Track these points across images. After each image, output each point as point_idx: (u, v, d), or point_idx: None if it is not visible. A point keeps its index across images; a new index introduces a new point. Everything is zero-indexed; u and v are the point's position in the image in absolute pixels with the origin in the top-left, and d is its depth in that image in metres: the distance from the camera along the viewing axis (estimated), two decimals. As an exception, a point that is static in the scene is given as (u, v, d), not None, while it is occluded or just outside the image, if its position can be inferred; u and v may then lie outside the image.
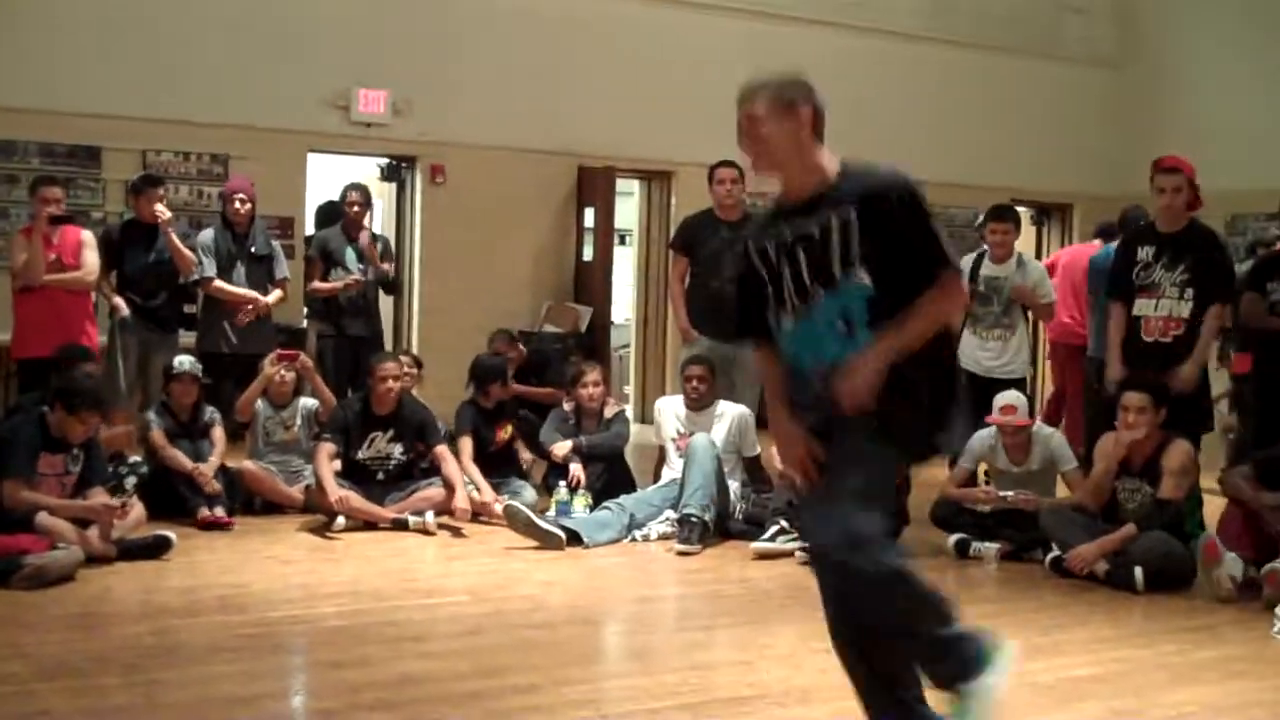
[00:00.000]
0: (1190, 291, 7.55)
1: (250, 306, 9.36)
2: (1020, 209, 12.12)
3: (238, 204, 9.48)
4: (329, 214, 11.71)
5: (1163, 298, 7.63)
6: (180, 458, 8.00)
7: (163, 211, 9.11)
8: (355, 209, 10.22)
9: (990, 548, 7.54)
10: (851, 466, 3.75)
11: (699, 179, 9.81)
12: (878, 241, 3.76)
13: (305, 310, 10.75)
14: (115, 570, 6.67)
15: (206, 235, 9.54)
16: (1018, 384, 8.38)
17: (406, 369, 8.93)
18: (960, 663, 3.77)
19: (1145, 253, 7.72)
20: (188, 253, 9.22)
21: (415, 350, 12.58)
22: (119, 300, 9.13)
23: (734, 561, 7.34)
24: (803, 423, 3.93)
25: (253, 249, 9.52)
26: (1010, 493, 7.63)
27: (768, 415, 4.19)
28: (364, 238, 10.18)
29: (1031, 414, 7.84)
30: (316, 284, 10.11)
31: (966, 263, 8.77)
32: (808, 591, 6.73)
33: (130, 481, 7.65)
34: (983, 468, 8.10)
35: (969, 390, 8.25)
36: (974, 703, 3.73)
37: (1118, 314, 7.86)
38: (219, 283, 9.37)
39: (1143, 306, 7.70)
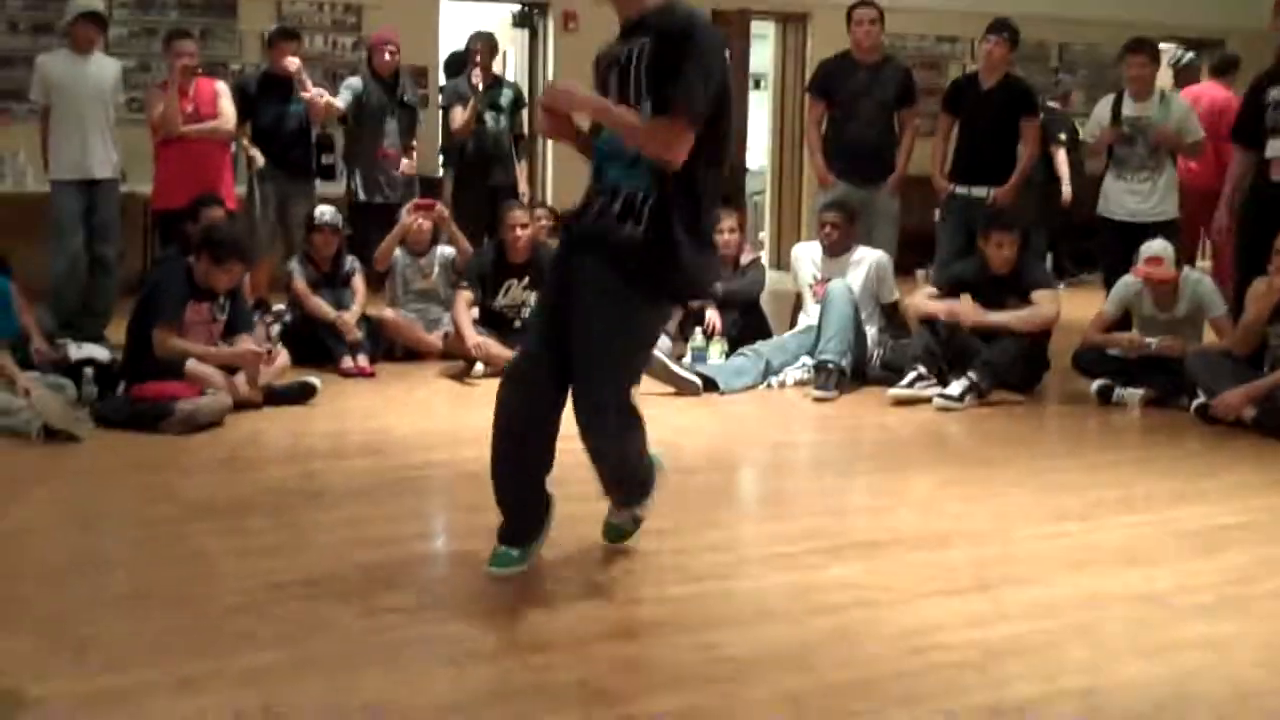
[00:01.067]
0: None
1: (406, 162, 9.57)
2: (1167, 46, 11.72)
3: (387, 55, 9.52)
4: (458, 63, 11.67)
5: None
6: (323, 306, 8.13)
7: (292, 61, 9.15)
8: (479, 57, 10.16)
9: (1134, 394, 7.41)
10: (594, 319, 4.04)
11: (836, 21, 9.61)
12: (657, 77, 3.92)
13: (441, 159, 10.79)
14: (262, 415, 6.82)
15: (355, 80, 9.63)
16: (1168, 226, 8.11)
17: (546, 222, 8.94)
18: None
19: (1277, 93, 7.44)
20: (322, 100, 9.27)
21: (550, 201, 12.58)
22: (255, 151, 9.24)
23: (871, 408, 7.31)
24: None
25: (404, 98, 9.60)
26: (1155, 340, 7.46)
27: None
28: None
29: (1179, 263, 7.60)
30: (454, 124, 10.09)
31: (1106, 103, 8.51)
32: (946, 438, 6.75)
33: (275, 328, 7.82)
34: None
35: (1117, 238, 8.14)
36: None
37: (1239, 159, 7.63)
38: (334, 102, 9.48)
39: (1275, 148, 7.43)
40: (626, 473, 4.40)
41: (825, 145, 9.06)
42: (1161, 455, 6.38)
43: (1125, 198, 8.34)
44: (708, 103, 3.92)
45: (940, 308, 7.65)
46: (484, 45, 10.16)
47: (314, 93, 9.27)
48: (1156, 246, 7.45)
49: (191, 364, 6.70)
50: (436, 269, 8.65)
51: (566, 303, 4.12)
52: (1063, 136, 12.69)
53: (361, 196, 9.51)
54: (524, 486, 4.38)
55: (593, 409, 4.13)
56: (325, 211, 8.52)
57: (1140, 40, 8.47)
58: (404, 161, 9.63)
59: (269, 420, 6.77)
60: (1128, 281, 7.63)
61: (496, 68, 10.72)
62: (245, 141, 9.28)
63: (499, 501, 4.41)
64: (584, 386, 4.12)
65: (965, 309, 7.67)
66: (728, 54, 4.05)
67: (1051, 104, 13.66)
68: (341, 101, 9.46)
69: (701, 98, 3.90)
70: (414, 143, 9.85)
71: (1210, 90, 10.36)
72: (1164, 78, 9.08)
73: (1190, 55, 11.51)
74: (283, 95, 9.27)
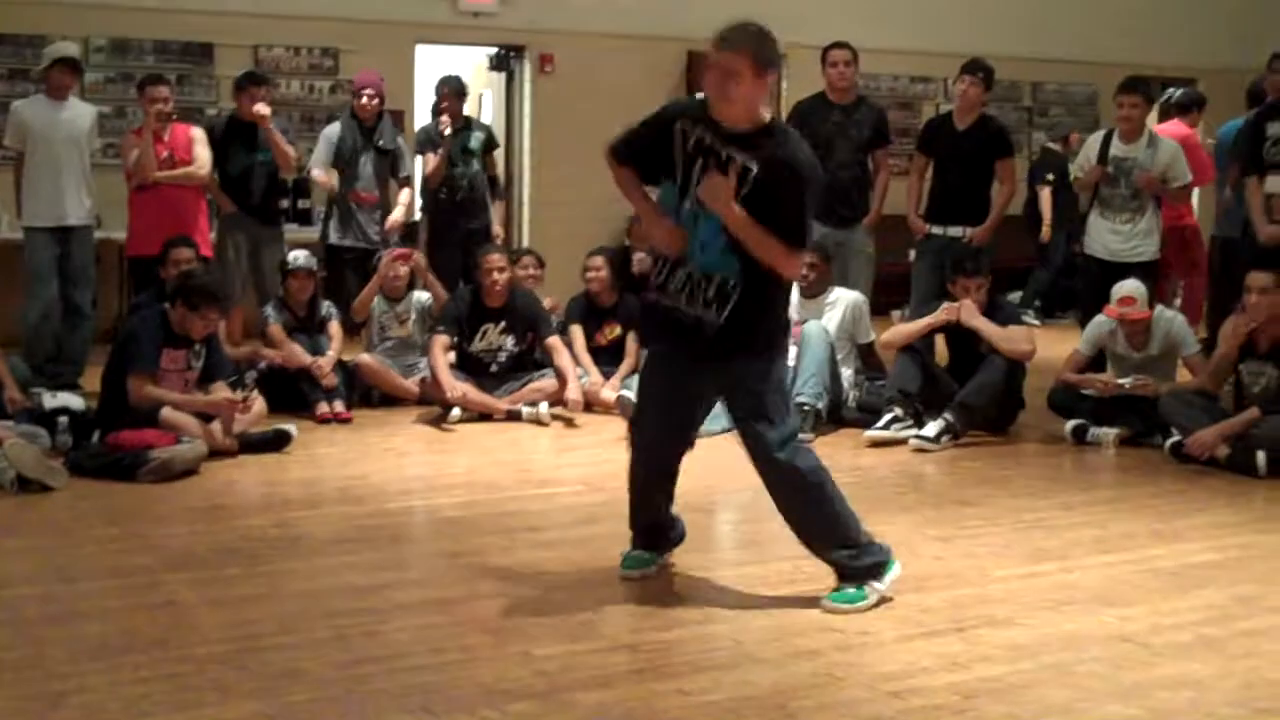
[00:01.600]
0: None
1: (394, 218, 9.48)
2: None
3: (365, 99, 9.50)
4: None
5: None
6: (299, 352, 8.11)
7: (262, 108, 9.11)
8: (444, 103, 10.15)
9: (1108, 433, 7.44)
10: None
11: (810, 62, 9.67)
12: (760, 199, 4.42)
13: (420, 204, 10.79)
14: (238, 463, 6.81)
15: (332, 129, 9.59)
16: (1147, 267, 8.14)
17: (533, 270, 8.92)
18: None
19: (1275, 129, 7.52)
20: (288, 149, 9.25)
21: (526, 242, 12.63)
22: (225, 197, 9.20)
23: (847, 449, 7.32)
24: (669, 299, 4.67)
25: (379, 143, 9.56)
26: (1128, 380, 7.49)
27: (642, 220, 5.02)
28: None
29: (1152, 302, 7.63)
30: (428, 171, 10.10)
31: (1096, 139, 8.54)
32: (922, 479, 6.77)
33: (251, 376, 7.80)
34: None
35: (1097, 277, 8.17)
36: None
37: (1254, 188, 7.71)
38: (319, 174, 9.44)
39: (1274, 184, 7.51)
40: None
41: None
42: (1136, 494, 6.40)
43: (1107, 236, 8.37)
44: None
45: (928, 321, 7.64)
46: (449, 91, 10.15)
47: (285, 145, 9.27)
48: (1129, 286, 7.49)
49: (167, 411, 6.69)
50: (413, 316, 8.64)
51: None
52: (1050, 177, 12.78)
53: (334, 239, 9.49)
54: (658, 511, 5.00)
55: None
56: (299, 255, 8.52)
57: (1134, 80, 8.51)
58: (393, 215, 9.49)
59: (245, 468, 6.75)
60: (1101, 321, 7.67)
61: (472, 110, 10.75)
62: (213, 187, 9.19)
63: (634, 524, 4.99)
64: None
65: (962, 306, 7.64)
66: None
67: (1051, 145, 13.77)
68: (315, 157, 9.43)
69: (811, 227, 4.65)
70: (401, 188, 9.77)
71: (1174, 129, 10.44)
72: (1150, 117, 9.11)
73: (1179, 93, 11.56)
74: (250, 141, 9.25)
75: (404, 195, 9.65)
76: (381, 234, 9.41)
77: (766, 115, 4.57)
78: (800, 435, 7.27)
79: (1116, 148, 8.35)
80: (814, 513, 4.65)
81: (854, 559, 4.61)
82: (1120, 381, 7.52)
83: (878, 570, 4.62)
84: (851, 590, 4.58)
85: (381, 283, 8.55)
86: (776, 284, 4.58)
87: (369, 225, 9.46)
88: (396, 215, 9.50)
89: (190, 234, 8.45)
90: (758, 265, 4.47)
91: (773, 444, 4.58)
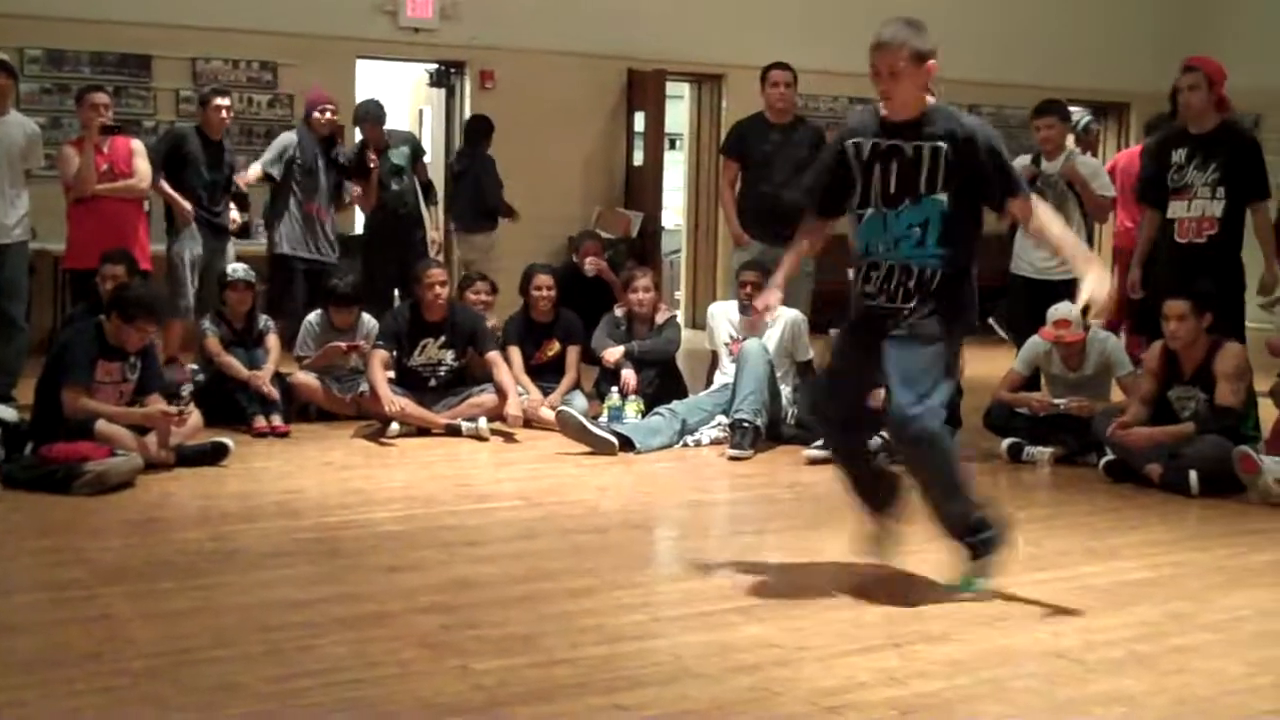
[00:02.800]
0: (1222, 190, 7.51)
1: (357, 198, 9.82)
2: (1075, 109, 11.95)
3: (316, 114, 9.53)
4: (480, 130, 11.92)
5: (1195, 198, 7.59)
6: (236, 365, 8.06)
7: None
8: (368, 136, 10.16)
9: (1044, 452, 7.51)
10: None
11: (750, 81, 9.72)
12: (960, 174, 4.73)
13: (366, 220, 10.78)
14: (174, 477, 6.75)
15: (289, 137, 9.61)
16: (1075, 284, 8.21)
17: (485, 295, 8.86)
18: None
19: (1178, 155, 7.68)
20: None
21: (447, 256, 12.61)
22: (187, 206, 9.12)
23: (785, 467, 7.35)
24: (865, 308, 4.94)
25: (337, 157, 9.59)
26: (1063, 400, 7.57)
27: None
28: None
29: (1086, 324, 7.73)
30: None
31: (1023, 163, 8.64)
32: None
33: (187, 389, 7.74)
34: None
35: (1025, 295, 8.25)
36: None
37: (1149, 220, 7.83)
38: (249, 177, 9.56)
39: (1176, 209, 7.65)
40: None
41: (740, 205, 9.14)
42: (1071, 512, 6.46)
43: (1033, 254, 8.45)
44: None
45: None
46: (369, 121, 10.15)
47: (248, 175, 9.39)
48: (1063, 309, 7.56)
49: (101, 424, 6.63)
50: (360, 340, 8.52)
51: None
52: None
53: (286, 249, 9.45)
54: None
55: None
56: (238, 268, 8.47)
57: (1049, 102, 8.62)
58: (355, 192, 9.76)
59: (181, 481, 6.70)
60: (1036, 342, 7.75)
61: (412, 126, 10.76)
62: (168, 192, 9.13)
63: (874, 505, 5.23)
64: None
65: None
66: None
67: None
68: (264, 160, 9.46)
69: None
70: (350, 199, 9.85)
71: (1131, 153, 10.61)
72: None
73: (1088, 119, 11.76)
74: (214, 158, 9.22)
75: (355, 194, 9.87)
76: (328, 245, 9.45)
77: (930, 99, 4.86)
78: (739, 453, 7.45)
79: (1041, 165, 8.46)
80: (938, 481, 4.87)
81: (977, 535, 4.91)
82: (1056, 401, 7.60)
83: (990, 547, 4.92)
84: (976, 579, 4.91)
85: (330, 359, 8.47)
86: (968, 271, 4.87)
87: (322, 239, 9.46)
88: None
89: (129, 247, 8.39)
90: (954, 253, 4.78)
91: (905, 406, 4.69)
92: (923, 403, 4.68)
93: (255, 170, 9.55)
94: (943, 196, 4.74)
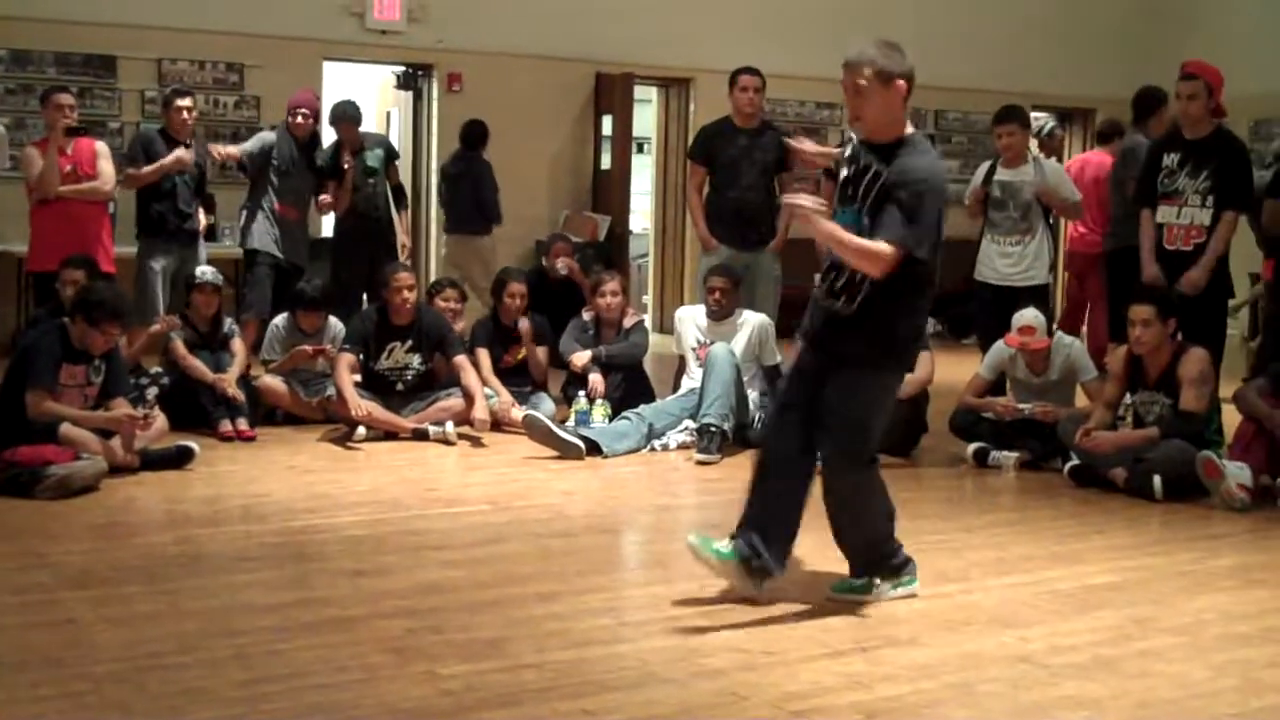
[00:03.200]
0: (1212, 199, 7.53)
1: (325, 204, 9.77)
2: (1039, 115, 12.02)
3: (300, 118, 9.52)
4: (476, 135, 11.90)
5: (1185, 205, 7.62)
6: (201, 368, 8.02)
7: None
8: (343, 132, 10.16)
9: (1009, 456, 7.54)
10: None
11: (718, 86, 9.74)
12: (879, 201, 4.66)
13: (335, 224, 10.77)
14: (139, 480, 6.72)
15: (270, 135, 9.60)
16: (1039, 291, 8.27)
17: (454, 304, 8.82)
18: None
19: (1170, 159, 7.69)
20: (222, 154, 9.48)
21: (434, 265, 12.62)
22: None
23: (747, 472, 7.34)
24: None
25: (316, 160, 9.58)
26: (1028, 405, 7.61)
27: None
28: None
29: (1050, 328, 7.76)
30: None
31: (983, 169, 8.69)
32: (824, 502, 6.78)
33: (152, 392, 7.70)
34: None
35: (990, 302, 8.29)
36: None
37: (1146, 220, 7.85)
38: (230, 150, 9.62)
39: (1165, 214, 7.68)
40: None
41: (707, 210, 9.15)
42: (1036, 517, 6.50)
43: (997, 260, 8.50)
44: None
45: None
46: (346, 121, 10.15)
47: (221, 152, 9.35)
48: (1029, 315, 7.59)
49: (66, 427, 6.58)
50: (326, 344, 8.49)
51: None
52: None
53: (255, 244, 9.44)
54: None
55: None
56: (206, 271, 8.44)
57: (1009, 109, 8.66)
58: (324, 198, 9.73)
59: (145, 485, 6.66)
60: (1001, 347, 7.77)
61: (379, 128, 10.77)
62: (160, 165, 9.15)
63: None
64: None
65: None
66: None
67: None
68: (244, 148, 9.44)
69: (926, 231, 4.73)
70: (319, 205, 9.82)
71: (1096, 156, 10.68)
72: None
73: (1052, 124, 11.84)
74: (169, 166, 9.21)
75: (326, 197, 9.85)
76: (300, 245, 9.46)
77: (906, 125, 4.80)
78: (706, 457, 7.45)
79: (1001, 173, 8.49)
80: (853, 514, 4.95)
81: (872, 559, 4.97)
82: (1021, 406, 7.64)
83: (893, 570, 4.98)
84: (858, 582, 4.94)
85: (296, 363, 8.43)
86: (901, 301, 4.73)
87: (295, 242, 9.46)
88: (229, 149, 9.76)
89: (93, 249, 8.36)
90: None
91: (825, 458, 4.85)
92: (848, 449, 4.80)
93: (233, 149, 9.52)
94: (866, 220, 4.68)
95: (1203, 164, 7.57)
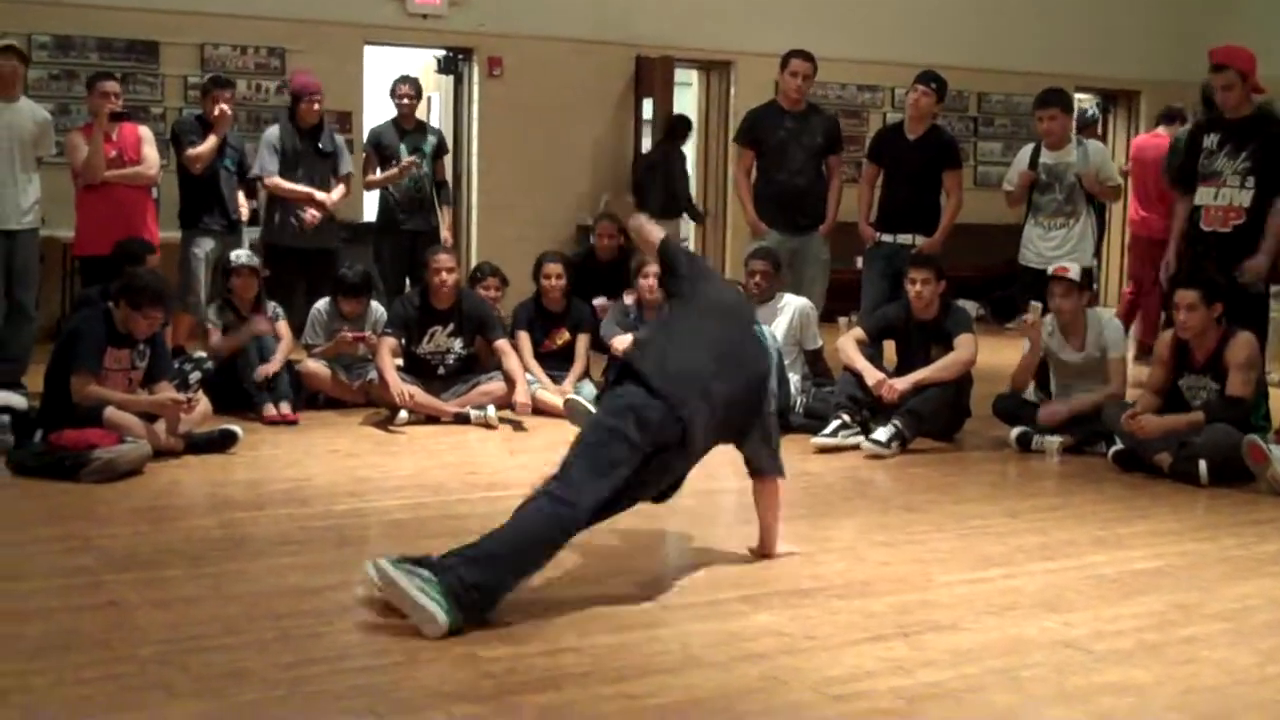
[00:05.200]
0: (1251, 180, 7.45)
1: (312, 210, 9.34)
2: (1081, 97, 11.92)
3: (314, 104, 9.46)
4: None
5: (1224, 186, 7.55)
6: (233, 338, 8.07)
7: (223, 110, 9.07)
8: (405, 101, 10.17)
9: (1053, 441, 7.49)
10: None
11: (758, 69, 9.74)
12: None
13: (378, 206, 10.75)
14: (182, 464, 6.76)
15: (272, 133, 9.52)
16: (1083, 275, 8.21)
17: (494, 291, 8.80)
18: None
19: (1210, 141, 7.63)
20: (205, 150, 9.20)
21: (475, 246, 12.63)
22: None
23: (794, 455, 7.31)
24: None
25: (319, 145, 9.52)
26: (1065, 407, 7.54)
27: None
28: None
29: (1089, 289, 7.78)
30: (370, 177, 10.16)
31: (1026, 151, 8.64)
32: (869, 485, 6.80)
33: (194, 376, 7.74)
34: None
35: (1032, 285, 8.25)
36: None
37: (1181, 206, 7.80)
38: (278, 181, 9.35)
39: (1203, 195, 7.61)
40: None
41: (755, 194, 9.12)
42: (1080, 502, 6.46)
43: (1040, 243, 8.47)
44: None
45: (868, 373, 7.65)
46: (409, 89, 10.19)
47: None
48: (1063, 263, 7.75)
49: (110, 412, 6.63)
50: (367, 329, 8.50)
51: None
52: None
53: (271, 239, 9.45)
54: None
55: None
56: (241, 255, 8.47)
57: (1050, 93, 8.62)
58: (309, 212, 9.36)
59: (189, 469, 6.70)
60: (1045, 324, 7.74)
61: (421, 113, 10.77)
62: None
63: None
64: None
65: (888, 389, 7.58)
66: None
67: None
68: (263, 164, 9.38)
69: None
70: (338, 184, 9.72)
71: (1155, 139, 10.61)
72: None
73: (1091, 110, 11.77)
74: (218, 147, 9.21)
75: (338, 191, 9.59)
76: (325, 229, 9.39)
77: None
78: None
79: (1045, 155, 8.48)
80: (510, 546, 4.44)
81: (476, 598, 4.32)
82: (1059, 408, 7.56)
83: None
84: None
85: (338, 349, 8.45)
86: None
87: (303, 226, 9.45)
88: (321, 197, 9.42)
89: (138, 233, 8.40)
90: None
91: None
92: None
93: (278, 180, 9.42)
94: None
95: (1242, 145, 7.50)
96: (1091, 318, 7.70)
